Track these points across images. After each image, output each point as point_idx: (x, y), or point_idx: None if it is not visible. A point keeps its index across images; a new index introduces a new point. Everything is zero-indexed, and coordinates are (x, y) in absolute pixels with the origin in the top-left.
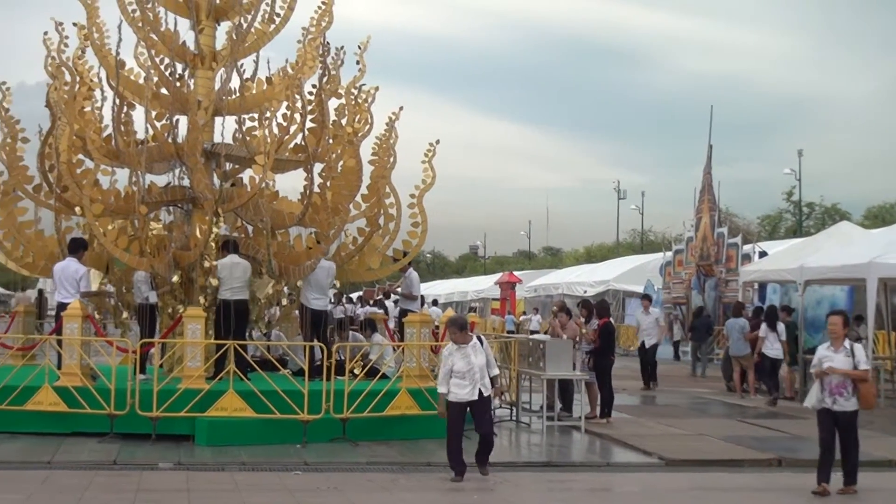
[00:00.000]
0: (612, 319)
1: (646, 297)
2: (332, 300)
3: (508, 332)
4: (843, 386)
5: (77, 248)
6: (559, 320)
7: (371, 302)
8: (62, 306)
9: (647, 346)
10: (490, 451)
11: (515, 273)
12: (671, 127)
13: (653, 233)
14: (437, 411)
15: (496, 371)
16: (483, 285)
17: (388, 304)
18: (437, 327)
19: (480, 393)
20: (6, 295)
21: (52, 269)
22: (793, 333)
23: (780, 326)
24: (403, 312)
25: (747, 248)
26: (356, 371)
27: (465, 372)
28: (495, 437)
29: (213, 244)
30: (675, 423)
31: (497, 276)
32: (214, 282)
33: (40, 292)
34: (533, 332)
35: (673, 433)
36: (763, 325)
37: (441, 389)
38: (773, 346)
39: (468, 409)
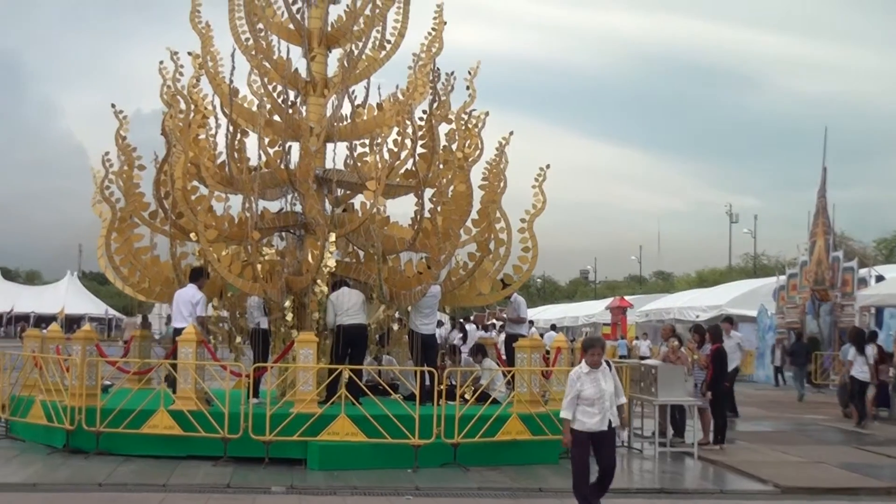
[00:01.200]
0: (724, 344)
1: (726, 320)
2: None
3: (621, 356)
4: None
5: (197, 276)
6: (670, 346)
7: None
8: (178, 332)
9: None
10: (608, 488)
11: (626, 298)
12: (783, 149)
13: (766, 257)
14: (562, 440)
15: (624, 399)
16: (594, 310)
17: (470, 328)
18: (548, 352)
19: (609, 423)
20: (120, 319)
21: (173, 295)
22: None
23: (869, 350)
24: (513, 337)
25: (863, 272)
26: (467, 396)
27: (595, 399)
28: None
29: (324, 269)
30: (790, 449)
31: (608, 301)
32: (320, 315)
33: (144, 317)
34: (643, 358)
35: (788, 460)
36: (851, 349)
37: (565, 415)
38: (860, 370)
39: (591, 440)
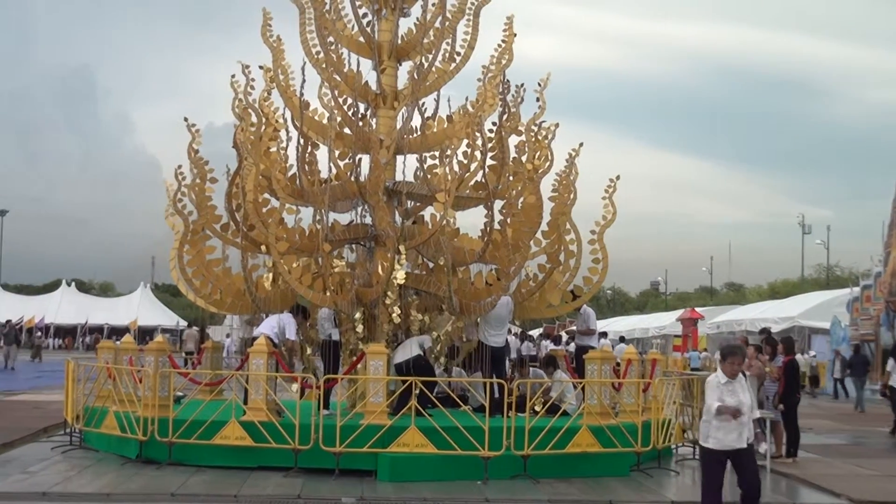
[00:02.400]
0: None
1: (762, 332)
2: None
3: (693, 369)
4: None
5: (297, 311)
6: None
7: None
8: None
9: None
10: None
11: (697, 309)
12: (856, 159)
13: (839, 268)
14: (725, 410)
15: (759, 413)
16: (664, 322)
17: (511, 339)
18: (619, 364)
19: (747, 439)
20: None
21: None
22: None
23: None
24: (583, 349)
25: None
26: (537, 408)
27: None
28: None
29: (394, 281)
30: (865, 462)
31: (679, 313)
32: (390, 326)
33: (202, 329)
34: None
35: (862, 473)
36: (890, 360)
37: (715, 405)
38: None
39: (728, 459)
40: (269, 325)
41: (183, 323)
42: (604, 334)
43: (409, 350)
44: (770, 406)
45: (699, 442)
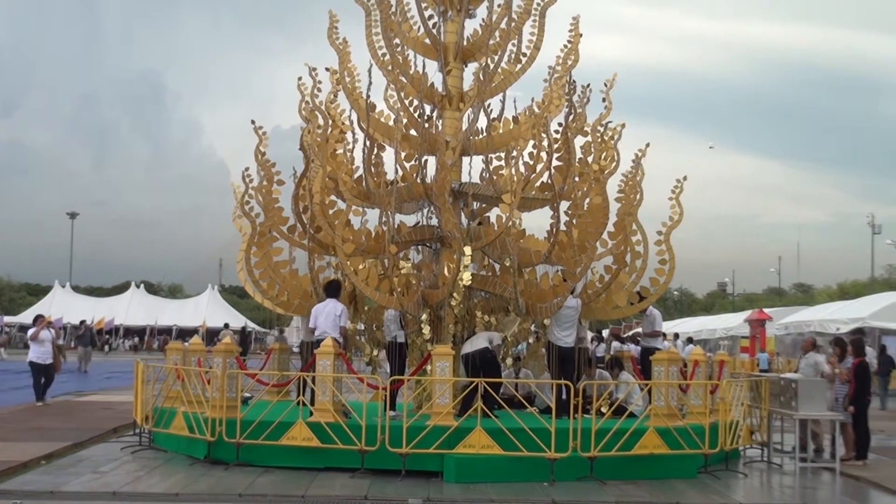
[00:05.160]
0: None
1: (838, 340)
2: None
3: (762, 370)
4: None
5: (335, 290)
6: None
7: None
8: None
9: None
10: None
11: (765, 310)
12: None
13: None
14: None
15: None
16: (732, 323)
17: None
18: (686, 365)
19: None
20: (263, 333)
21: (312, 309)
22: None
23: None
24: (648, 350)
25: None
26: (603, 409)
27: None
28: None
29: (460, 282)
30: None
31: (747, 314)
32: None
33: (243, 329)
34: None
35: None
36: None
37: None
38: None
39: None
40: (331, 324)
41: (251, 324)
42: (675, 335)
43: (477, 343)
44: (840, 408)
45: None
